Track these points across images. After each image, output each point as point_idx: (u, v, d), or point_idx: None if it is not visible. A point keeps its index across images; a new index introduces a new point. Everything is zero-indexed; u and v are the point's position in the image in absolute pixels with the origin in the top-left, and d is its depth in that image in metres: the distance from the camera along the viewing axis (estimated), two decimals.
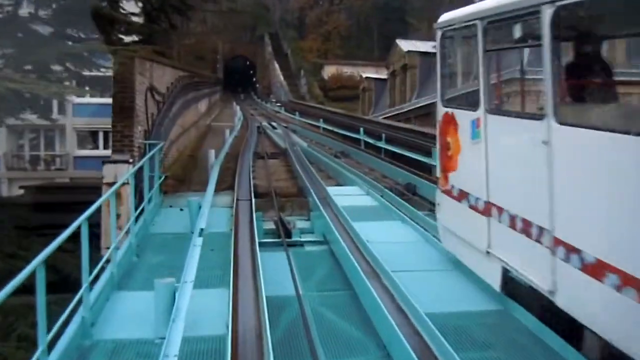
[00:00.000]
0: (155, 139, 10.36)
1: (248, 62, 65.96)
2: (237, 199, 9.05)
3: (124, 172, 8.22)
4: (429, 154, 12.74)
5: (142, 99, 9.40)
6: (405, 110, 21.52)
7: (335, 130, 20.62)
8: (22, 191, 20.40)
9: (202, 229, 6.20)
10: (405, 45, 22.54)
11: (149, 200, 8.35)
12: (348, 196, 9.54)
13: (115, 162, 8.30)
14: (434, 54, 19.29)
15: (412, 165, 12.63)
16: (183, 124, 16.46)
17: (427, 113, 19.62)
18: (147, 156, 8.27)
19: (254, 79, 64.10)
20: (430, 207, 9.80)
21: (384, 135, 15.20)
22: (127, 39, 12.56)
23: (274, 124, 26.88)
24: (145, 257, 6.39)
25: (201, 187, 11.11)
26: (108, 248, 6.24)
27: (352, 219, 7.61)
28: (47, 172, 29.05)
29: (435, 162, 12.80)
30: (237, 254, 6.10)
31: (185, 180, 12.10)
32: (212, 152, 11.12)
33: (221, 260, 6.26)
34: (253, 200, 8.96)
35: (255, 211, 8.14)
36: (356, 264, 5.63)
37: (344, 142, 17.88)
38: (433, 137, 13.66)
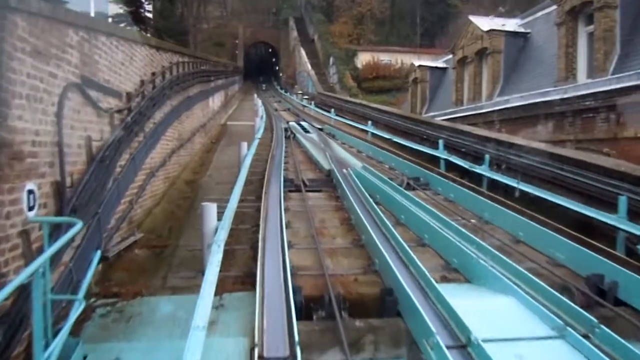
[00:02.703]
0: (93, 193, 5.09)
1: (270, 49, 60.64)
2: (261, 357, 3.76)
3: None
4: (611, 206, 7.13)
5: (42, 111, 4.14)
6: (486, 111, 15.87)
7: (391, 138, 15.10)
8: None
9: None
10: (483, 23, 16.80)
11: None
12: (514, 344, 4.15)
13: None
14: (525, 34, 13.34)
15: (562, 220, 7.12)
16: (180, 133, 11.22)
17: (520, 117, 14.01)
18: (23, 275, 3.02)
19: (277, 67, 58.71)
20: None
21: (487, 157, 9.69)
22: None
23: (304, 124, 21.50)
24: None
25: (192, 268, 5.93)
26: None
27: None
28: None
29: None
30: None
31: (166, 249, 6.86)
32: (211, 211, 5.71)
33: None
34: (298, 354, 3.68)
35: None
36: None
37: (406, 157, 12.40)
38: (609, 174, 7.91)
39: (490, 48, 16.11)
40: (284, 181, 10.09)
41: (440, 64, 22.91)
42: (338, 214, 8.46)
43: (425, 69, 22.41)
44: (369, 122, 16.95)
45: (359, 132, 18.12)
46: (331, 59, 44.00)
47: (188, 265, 6.05)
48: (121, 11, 21.70)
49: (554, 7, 13.79)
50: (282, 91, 47.13)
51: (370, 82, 39.07)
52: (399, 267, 5.51)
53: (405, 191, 9.13)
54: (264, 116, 22.20)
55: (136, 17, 21.57)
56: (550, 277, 5.47)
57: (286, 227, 7.07)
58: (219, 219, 5.72)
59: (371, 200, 8.46)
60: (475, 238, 6.45)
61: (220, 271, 4.29)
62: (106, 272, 5.75)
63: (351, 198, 8.56)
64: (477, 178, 10.30)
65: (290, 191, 9.84)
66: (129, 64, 6.72)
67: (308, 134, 17.63)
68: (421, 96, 22.71)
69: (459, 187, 9.27)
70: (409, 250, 5.94)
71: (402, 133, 15.34)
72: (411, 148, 13.65)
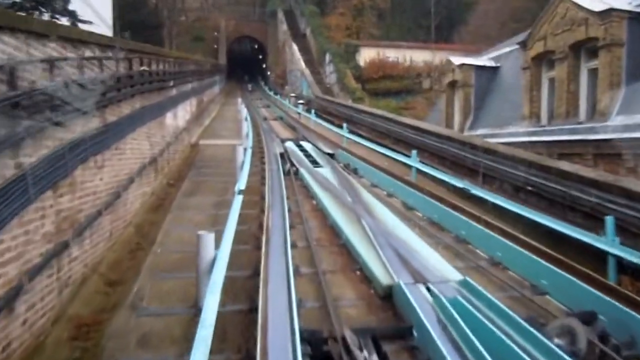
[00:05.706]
0: None
1: (257, 45, 54.45)
2: None
3: None
4: None
5: None
6: (602, 138, 10.07)
7: (468, 189, 9.16)
8: None
9: None
10: (585, 0, 11.03)
11: None
12: None
13: None
14: None
15: None
16: (69, 214, 5.30)
17: None
18: None
19: (264, 65, 52.55)
20: None
21: None
22: None
23: (307, 145, 15.54)
24: None
25: None
26: None
27: None
28: None
29: None
30: None
31: None
32: None
33: None
34: None
35: None
36: None
37: (525, 242, 6.53)
38: None
39: (605, 38, 10.34)
40: (301, 339, 4.15)
41: (486, 61, 17.13)
42: None
43: (468, 69, 16.57)
44: (413, 152, 11.03)
45: (390, 163, 12.28)
46: (327, 56, 37.92)
47: None
48: None
49: None
50: (271, 93, 41.03)
51: (375, 83, 33.08)
52: None
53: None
54: (251, 130, 16.21)
55: None
56: None
57: None
58: None
59: None
60: None
61: None
62: None
63: None
64: None
65: (309, 355, 3.98)
66: None
67: (318, 169, 11.74)
68: (463, 105, 16.85)
69: None
70: None
71: (474, 174, 9.51)
72: (498, 205, 7.74)
